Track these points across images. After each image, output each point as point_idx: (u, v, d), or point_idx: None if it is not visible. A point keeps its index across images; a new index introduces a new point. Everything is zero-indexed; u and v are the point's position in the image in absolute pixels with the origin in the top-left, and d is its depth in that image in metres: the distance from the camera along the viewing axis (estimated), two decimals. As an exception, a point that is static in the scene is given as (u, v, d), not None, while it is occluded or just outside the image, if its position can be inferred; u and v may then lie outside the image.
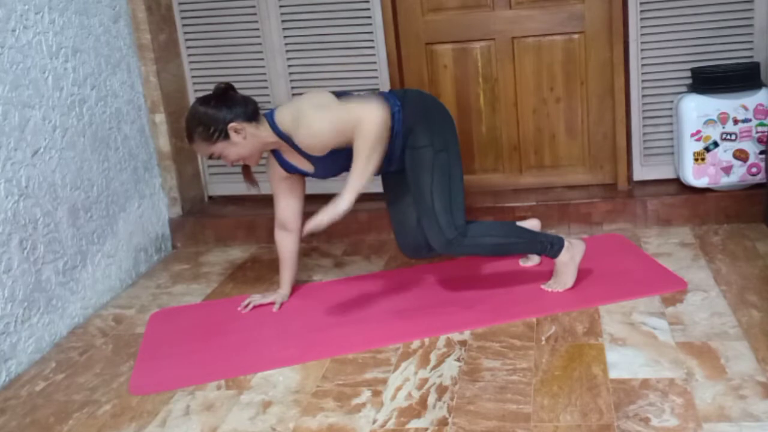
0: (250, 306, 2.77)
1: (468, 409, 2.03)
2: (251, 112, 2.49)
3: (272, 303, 2.76)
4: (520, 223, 2.89)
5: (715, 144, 3.12)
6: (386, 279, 2.96)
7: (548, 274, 2.71)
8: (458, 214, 2.50)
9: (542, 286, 2.68)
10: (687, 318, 2.41)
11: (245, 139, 2.47)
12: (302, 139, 2.44)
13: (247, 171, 2.66)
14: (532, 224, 2.89)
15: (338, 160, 2.50)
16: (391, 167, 2.60)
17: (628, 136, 3.36)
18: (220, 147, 2.48)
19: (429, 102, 2.62)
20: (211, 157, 2.53)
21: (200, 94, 3.59)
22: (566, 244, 2.59)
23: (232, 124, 2.44)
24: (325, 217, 2.36)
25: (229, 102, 2.47)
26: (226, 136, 2.45)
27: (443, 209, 2.48)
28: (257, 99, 3.52)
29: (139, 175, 3.35)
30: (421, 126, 2.52)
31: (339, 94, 2.53)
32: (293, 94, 3.54)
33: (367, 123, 2.35)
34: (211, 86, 3.54)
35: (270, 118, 2.51)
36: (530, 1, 3.35)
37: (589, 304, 2.55)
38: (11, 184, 2.55)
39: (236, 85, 3.52)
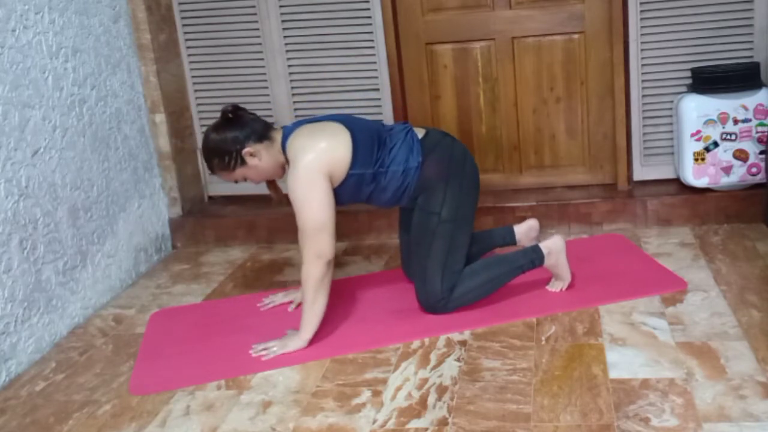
0: (270, 305, 2.78)
1: (468, 409, 2.03)
2: (261, 131, 2.46)
3: (290, 302, 2.77)
4: (517, 227, 2.89)
5: (715, 144, 3.12)
6: (386, 279, 2.96)
7: (548, 274, 2.71)
8: (448, 282, 2.51)
9: (547, 287, 2.68)
10: (687, 318, 2.41)
11: (261, 161, 2.46)
12: (287, 180, 2.41)
13: (271, 183, 2.65)
14: (530, 225, 2.89)
15: (356, 194, 2.50)
16: (401, 205, 2.62)
17: (628, 136, 3.36)
18: (240, 173, 2.48)
19: (456, 161, 2.56)
20: (236, 181, 2.54)
21: (200, 94, 3.63)
22: (545, 251, 2.59)
23: (245, 150, 2.43)
24: (278, 349, 2.42)
25: (238, 126, 2.45)
26: (243, 162, 2.45)
27: (434, 278, 2.50)
28: (257, 99, 3.59)
29: (139, 175, 3.35)
30: (437, 189, 2.51)
31: (366, 127, 2.49)
32: (293, 94, 3.54)
33: (304, 272, 2.38)
34: (212, 86, 3.60)
35: (287, 134, 2.47)
36: (530, 1, 3.35)
37: (589, 304, 2.55)
38: (11, 184, 2.55)
39: (236, 85, 3.59)
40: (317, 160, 2.36)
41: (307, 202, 2.34)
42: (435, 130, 2.65)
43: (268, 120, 3.52)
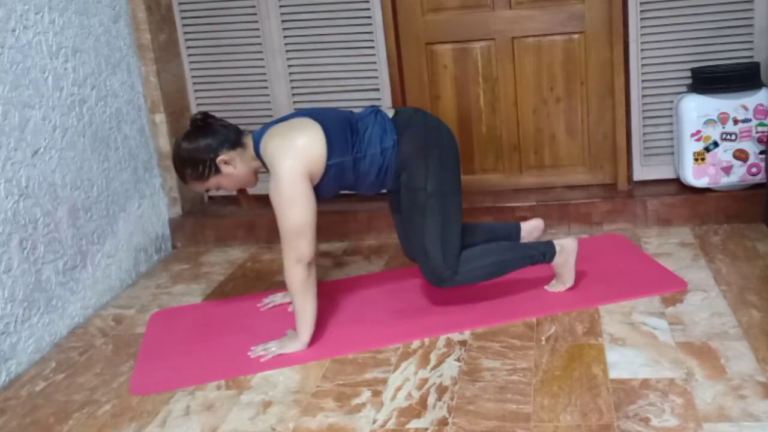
0: (270, 305, 2.78)
1: (468, 409, 2.03)
2: (234, 138, 2.43)
3: (290, 302, 2.74)
4: (523, 224, 2.89)
5: (715, 144, 3.12)
6: (386, 279, 2.96)
7: (548, 274, 2.71)
8: (450, 254, 2.48)
9: (546, 287, 2.68)
10: (687, 318, 2.41)
11: (236, 169, 2.43)
12: (270, 186, 2.38)
13: (242, 191, 2.63)
14: (535, 225, 2.89)
15: (338, 183, 2.48)
16: (386, 188, 2.59)
17: (628, 136, 3.36)
18: (214, 182, 2.45)
19: (431, 133, 2.52)
20: (208, 191, 2.51)
21: (200, 94, 3.63)
22: (557, 248, 2.59)
23: (219, 158, 2.39)
24: (277, 350, 2.42)
25: (210, 133, 2.40)
26: (217, 171, 2.41)
27: (435, 251, 2.48)
28: (257, 99, 3.59)
29: (139, 175, 3.35)
30: (417, 163, 2.47)
31: (335, 116, 2.46)
32: (293, 94, 3.54)
33: (287, 277, 2.37)
34: (212, 86, 3.60)
35: (257, 139, 2.44)
36: (530, 1, 3.35)
37: (589, 304, 2.55)
38: (11, 184, 2.55)
39: (236, 85, 3.59)
40: (297, 162, 2.32)
41: (287, 207, 2.32)
42: (405, 107, 2.60)
43: (269, 118, 3.54)
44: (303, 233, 2.33)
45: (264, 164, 2.42)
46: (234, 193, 2.68)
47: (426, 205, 2.47)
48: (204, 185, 2.47)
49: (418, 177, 2.48)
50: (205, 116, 2.45)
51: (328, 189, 2.46)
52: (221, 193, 2.69)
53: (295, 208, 2.32)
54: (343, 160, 2.41)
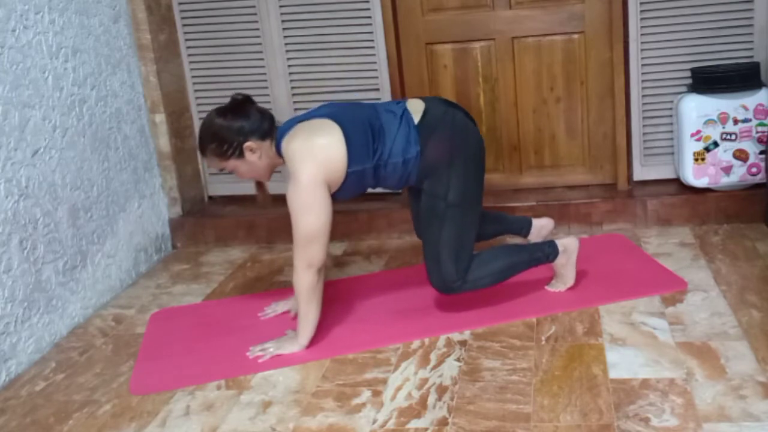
0: (271, 314, 2.72)
1: (468, 409, 2.03)
2: (267, 129, 2.41)
3: (288, 311, 2.72)
4: (534, 220, 2.89)
5: (715, 144, 3.12)
6: (386, 279, 2.96)
7: (548, 274, 2.71)
8: (462, 264, 2.46)
9: (546, 287, 2.68)
10: (687, 318, 2.41)
11: (260, 159, 2.41)
12: (287, 190, 2.36)
13: (260, 185, 2.62)
14: (544, 224, 2.88)
15: (358, 188, 2.47)
16: (410, 185, 2.56)
17: (628, 136, 3.36)
18: (232, 164, 2.42)
19: (457, 140, 2.46)
20: (222, 170, 2.48)
21: (200, 94, 3.62)
22: (560, 249, 2.58)
23: (247, 144, 2.37)
24: (275, 350, 2.42)
25: (246, 117, 2.38)
26: (241, 155, 2.39)
27: (448, 260, 2.45)
28: (257, 99, 3.55)
29: (139, 175, 3.35)
30: (440, 172, 2.44)
31: (358, 118, 2.41)
32: (293, 94, 3.54)
33: (295, 281, 2.37)
34: (212, 86, 3.60)
35: (280, 135, 2.42)
36: (530, 1, 3.35)
37: (589, 304, 2.55)
38: (11, 184, 2.55)
39: (236, 86, 3.58)
40: (317, 169, 2.30)
41: (303, 212, 2.30)
42: (433, 105, 2.50)
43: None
44: (316, 239, 2.32)
45: (284, 161, 2.39)
46: (246, 193, 2.64)
47: (445, 215, 2.45)
48: (221, 164, 2.43)
49: (440, 186, 2.45)
50: (247, 98, 2.43)
51: (347, 193, 2.45)
52: (250, 189, 2.64)
53: (311, 215, 2.30)
54: (364, 167, 2.39)
